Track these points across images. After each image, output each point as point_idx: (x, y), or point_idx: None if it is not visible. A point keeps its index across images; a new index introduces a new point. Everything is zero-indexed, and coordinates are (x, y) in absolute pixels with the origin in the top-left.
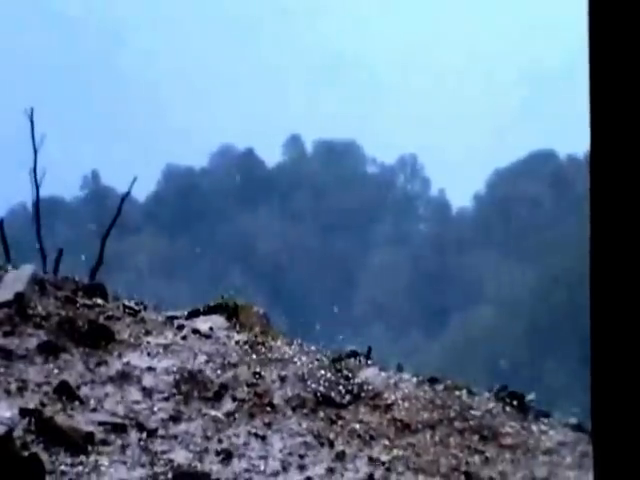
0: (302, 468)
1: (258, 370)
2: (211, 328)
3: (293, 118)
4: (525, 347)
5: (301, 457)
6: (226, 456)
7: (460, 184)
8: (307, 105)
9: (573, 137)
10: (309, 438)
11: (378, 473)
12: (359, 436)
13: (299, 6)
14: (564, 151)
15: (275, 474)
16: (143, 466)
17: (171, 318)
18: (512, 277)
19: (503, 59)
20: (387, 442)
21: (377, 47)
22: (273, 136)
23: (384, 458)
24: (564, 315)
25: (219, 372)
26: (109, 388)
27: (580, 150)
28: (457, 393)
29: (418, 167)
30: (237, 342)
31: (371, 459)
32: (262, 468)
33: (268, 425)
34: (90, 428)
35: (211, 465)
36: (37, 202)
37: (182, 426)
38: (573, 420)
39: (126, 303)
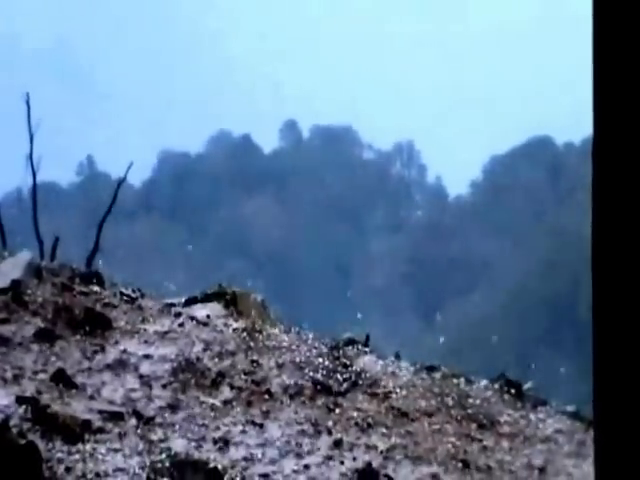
0: (300, 456)
1: (256, 358)
2: (208, 316)
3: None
4: (521, 332)
5: (299, 445)
6: (224, 444)
7: (457, 171)
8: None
9: (571, 123)
10: (307, 426)
11: (376, 461)
12: (357, 424)
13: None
14: (561, 138)
15: (273, 462)
16: (140, 454)
17: (168, 305)
18: (509, 263)
19: (502, 50)
20: (385, 430)
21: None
22: (269, 123)
23: (382, 446)
24: (561, 300)
25: (217, 360)
26: (106, 376)
27: (577, 137)
28: (455, 381)
29: (415, 153)
30: (235, 330)
31: (369, 447)
32: (260, 456)
33: (266, 413)
34: (87, 416)
35: (209, 453)
36: (34, 189)
37: (180, 414)
38: (570, 408)
39: (123, 290)
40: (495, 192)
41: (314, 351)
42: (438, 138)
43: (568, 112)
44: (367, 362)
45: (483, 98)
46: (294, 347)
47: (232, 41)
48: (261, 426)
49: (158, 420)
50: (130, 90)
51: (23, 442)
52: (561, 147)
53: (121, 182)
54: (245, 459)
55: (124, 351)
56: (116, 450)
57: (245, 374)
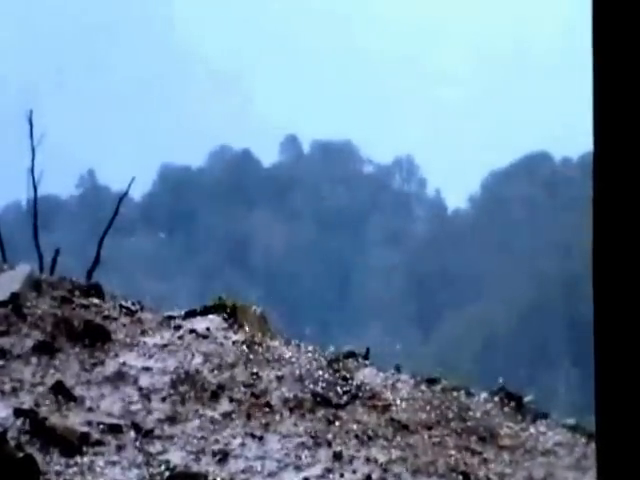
0: (299, 468)
1: (255, 370)
2: (208, 328)
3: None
4: (521, 345)
5: (298, 457)
6: (223, 457)
7: (456, 185)
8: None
9: (569, 138)
10: (306, 438)
11: (376, 474)
12: (357, 436)
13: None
14: (559, 153)
15: (272, 475)
16: (139, 467)
17: (168, 318)
18: (507, 277)
19: (502, 54)
20: (385, 443)
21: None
22: (268, 136)
23: (382, 459)
24: (559, 314)
25: (216, 372)
26: (105, 388)
27: (575, 152)
28: (455, 394)
29: (414, 167)
30: (234, 342)
31: (368, 460)
32: (259, 469)
33: (265, 426)
34: (85, 428)
35: (207, 466)
36: (35, 204)
37: (178, 427)
38: (570, 421)
39: (123, 303)
40: (494, 206)
41: (314, 364)
42: (438, 152)
43: (566, 127)
44: (367, 375)
45: (483, 112)
46: (294, 360)
47: (234, 58)
48: (260, 438)
49: (157, 433)
50: (132, 104)
51: (21, 455)
52: (559, 162)
53: (123, 197)
54: (244, 472)
55: (123, 363)
56: (114, 463)
57: (245, 386)
